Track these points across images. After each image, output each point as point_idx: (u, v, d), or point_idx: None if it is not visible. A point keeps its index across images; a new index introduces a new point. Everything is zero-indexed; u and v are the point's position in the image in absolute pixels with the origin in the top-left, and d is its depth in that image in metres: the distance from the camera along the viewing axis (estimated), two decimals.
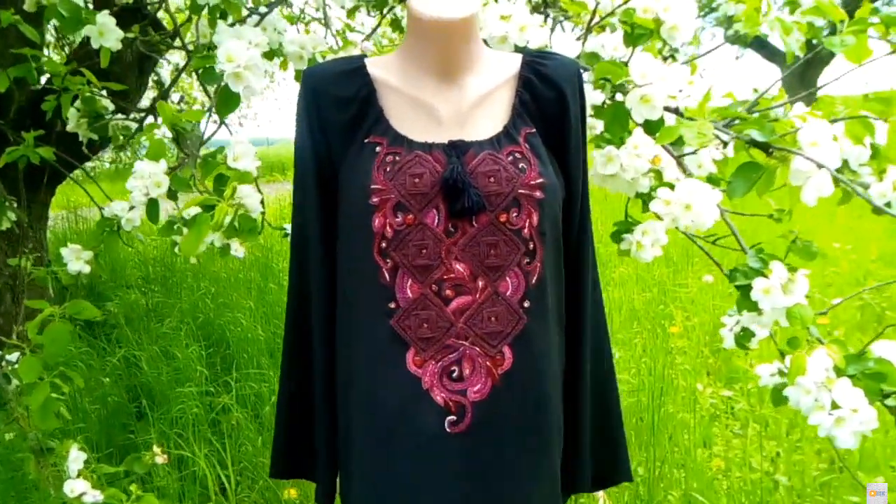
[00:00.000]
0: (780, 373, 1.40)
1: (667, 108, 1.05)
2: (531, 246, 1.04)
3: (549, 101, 1.10)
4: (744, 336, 1.46)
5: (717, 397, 3.36)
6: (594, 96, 1.37)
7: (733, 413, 3.25)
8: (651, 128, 1.07)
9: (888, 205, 1.43)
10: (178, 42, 2.28)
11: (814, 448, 2.68)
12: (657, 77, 1.02)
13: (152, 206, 1.53)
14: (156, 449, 2.09)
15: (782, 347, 1.45)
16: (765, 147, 1.01)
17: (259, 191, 2.10)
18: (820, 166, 0.95)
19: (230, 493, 2.54)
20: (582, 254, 1.17)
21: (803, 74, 12.93)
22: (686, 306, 4.26)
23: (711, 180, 1.64)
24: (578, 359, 1.16)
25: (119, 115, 2.26)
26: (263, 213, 2.10)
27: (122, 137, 2.19)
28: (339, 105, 1.08)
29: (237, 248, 2.07)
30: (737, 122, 1.06)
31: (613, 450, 1.22)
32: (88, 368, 3.23)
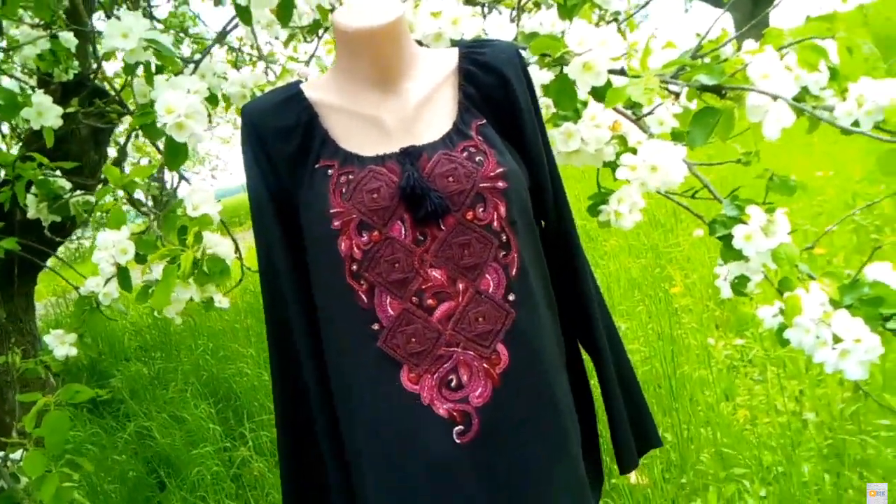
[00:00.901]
0: (782, 312, 1.37)
1: (612, 72, 1.02)
2: (504, 238, 1.01)
3: (494, 88, 1.07)
4: (739, 283, 1.43)
5: (730, 348, 3.34)
6: (541, 76, 1.35)
7: (750, 361, 3.23)
8: (599, 94, 1.05)
9: (855, 123, 1.41)
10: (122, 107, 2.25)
11: (836, 379, 2.65)
12: (596, 42, 0.99)
13: (123, 275, 1.50)
14: None
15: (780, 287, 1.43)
16: (717, 90, 0.99)
17: (231, 236, 2.07)
18: (775, 98, 0.93)
19: None
20: (568, 242, 1.15)
21: (752, 13, 12.98)
22: (683, 265, 4.23)
23: (676, 135, 1.62)
24: (594, 341, 1.14)
25: (78, 192, 2.23)
26: (241, 258, 2.08)
27: (84, 214, 2.15)
28: (282, 136, 1.05)
29: (221, 300, 2.04)
30: (686, 69, 1.03)
31: (639, 419, 1.20)
32: (101, 449, 3.18)
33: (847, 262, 3.82)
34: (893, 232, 4.19)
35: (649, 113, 1.33)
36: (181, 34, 4.01)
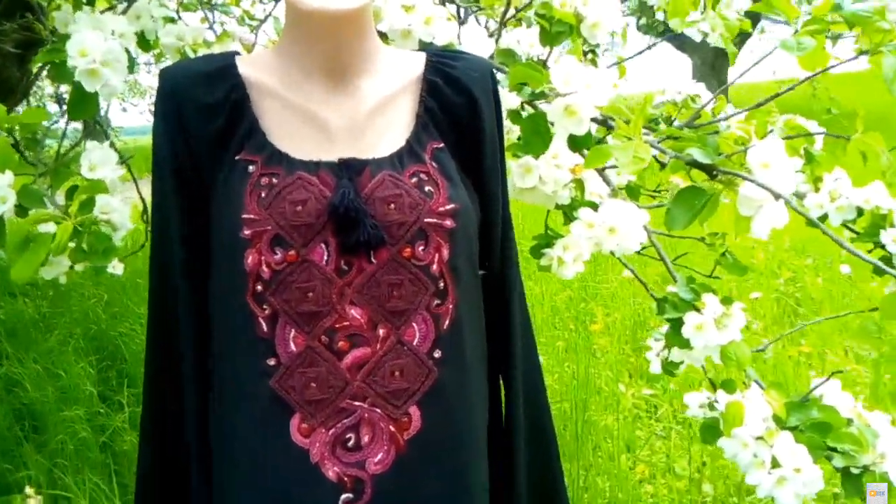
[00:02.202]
0: (710, 406, 1.28)
1: (595, 121, 0.90)
2: (441, 284, 0.87)
3: (459, 107, 0.93)
4: (671, 364, 1.33)
5: (639, 397, 3.29)
6: (510, 99, 1.22)
7: (656, 414, 3.19)
8: (577, 143, 0.92)
9: (823, 217, 1.33)
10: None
11: None
12: (582, 84, 0.86)
13: None
14: (28, 490, 1.84)
15: (712, 375, 1.33)
16: (709, 169, 0.87)
17: (139, 193, 1.86)
18: (777, 196, 0.82)
19: None
20: (507, 287, 1.00)
21: (714, 63, 13.21)
22: (607, 302, 4.19)
23: (631, 190, 1.52)
24: (511, 416, 0.99)
25: None
26: (147, 220, 1.87)
27: None
28: (204, 113, 0.89)
29: (115, 265, 1.84)
30: (668, 132, 0.91)
31: None
32: None
33: (766, 331, 3.84)
34: (812, 307, 4.26)
35: (613, 166, 1.21)
36: None
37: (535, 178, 1.24)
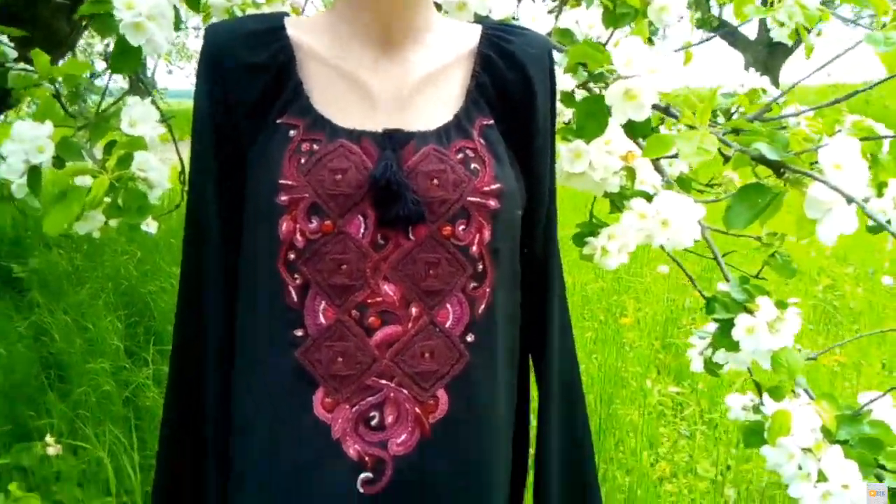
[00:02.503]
0: (755, 409, 1.23)
1: (656, 108, 0.85)
2: (480, 267, 0.83)
3: (513, 85, 0.89)
4: (715, 364, 1.28)
5: (664, 394, 3.24)
6: (563, 80, 1.17)
7: (682, 413, 3.13)
8: (636, 130, 0.87)
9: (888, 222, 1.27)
10: None
11: (764, 461, 2.56)
12: (645, 68, 0.81)
13: (34, 176, 1.28)
14: (48, 439, 1.85)
15: (758, 377, 1.28)
16: (776, 166, 0.82)
17: (178, 153, 1.84)
18: (850, 200, 0.76)
19: (135, 482, 2.31)
20: (548, 271, 0.96)
21: (766, 62, 12.91)
22: (640, 296, 4.12)
23: (682, 182, 1.45)
24: (544, 417, 0.95)
25: (21, 66, 1.97)
26: (184, 181, 1.86)
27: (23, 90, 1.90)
28: (247, 74, 0.85)
29: (149, 223, 1.83)
30: (735, 125, 0.85)
31: None
32: None
33: (799, 338, 3.75)
34: (850, 316, 4.15)
35: (670, 156, 1.16)
36: None
37: (585, 164, 1.20)
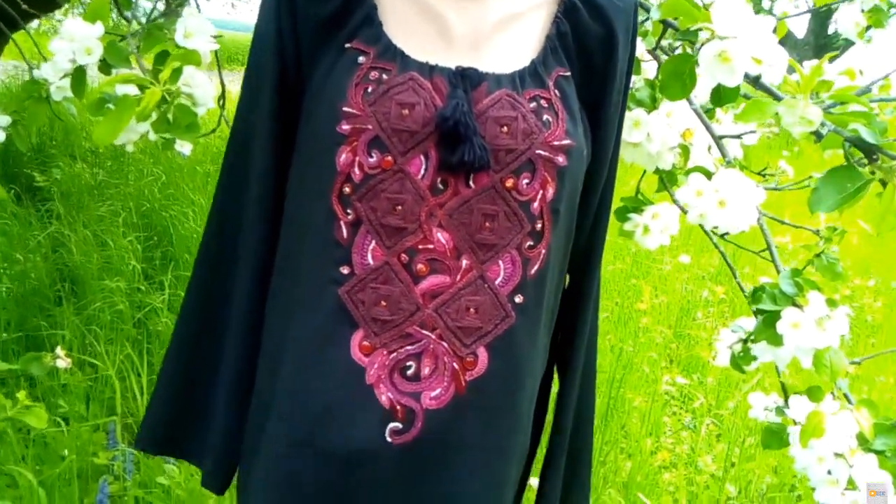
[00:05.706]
0: (779, 411, 1.20)
1: (746, 76, 0.80)
2: (539, 226, 0.80)
3: (594, 38, 0.84)
4: (744, 358, 1.25)
5: (672, 384, 3.21)
6: (642, 47, 1.12)
7: (690, 405, 3.11)
8: (725, 96, 0.82)
9: None
10: None
11: (769, 462, 2.54)
12: (743, 30, 0.76)
13: (78, 77, 1.25)
14: (59, 351, 1.84)
15: (785, 379, 1.25)
16: (869, 151, 0.77)
17: (221, 78, 1.80)
18: None
19: (140, 404, 2.32)
20: (597, 235, 0.93)
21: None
22: (657, 283, 4.08)
23: (741, 167, 1.40)
24: (567, 381, 0.94)
25: None
26: (223, 107, 1.82)
27: None
28: None
29: (183, 144, 1.80)
30: (839, 96, 0.79)
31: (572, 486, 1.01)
32: (8, 239, 2.94)
33: None
34: (866, 330, 4.10)
35: (739, 136, 1.11)
36: None
37: (642, 134, 1.15)
